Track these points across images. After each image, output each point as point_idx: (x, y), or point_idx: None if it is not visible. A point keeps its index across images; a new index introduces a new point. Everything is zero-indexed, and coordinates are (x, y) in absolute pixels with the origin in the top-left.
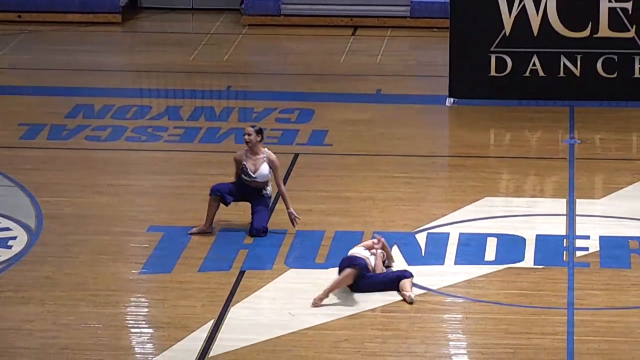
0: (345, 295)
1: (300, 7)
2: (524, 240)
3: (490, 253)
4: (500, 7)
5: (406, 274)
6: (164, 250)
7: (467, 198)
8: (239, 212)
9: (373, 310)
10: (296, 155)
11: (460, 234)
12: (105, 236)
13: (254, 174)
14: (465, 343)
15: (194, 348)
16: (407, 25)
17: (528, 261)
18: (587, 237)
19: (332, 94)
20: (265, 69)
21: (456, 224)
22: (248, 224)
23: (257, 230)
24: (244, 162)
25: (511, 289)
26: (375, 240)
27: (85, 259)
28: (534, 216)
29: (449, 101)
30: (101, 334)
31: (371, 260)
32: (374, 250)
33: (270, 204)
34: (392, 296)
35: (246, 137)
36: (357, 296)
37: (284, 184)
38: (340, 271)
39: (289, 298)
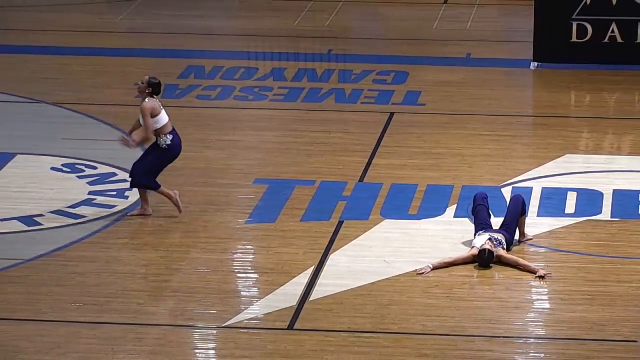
0: (434, 244)
1: None
2: (601, 194)
3: (570, 206)
4: None
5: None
6: (269, 201)
7: (549, 155)
8: (339, 166)
9: (463, 258)
10: (391, 114)
11: (543, 188)
12: (214, 188)
13: None
14: (546, 289)
15: (296, 292)
16: None
17: (605, 214)
18: None
19: (425, 58)
20: (364, 34)
21: (539, 178)
22: (347, 178)
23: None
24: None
25: (589, 239)
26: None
27: (195, 208)
28: (611, 172)
29: (533, 65)
30: (210, 278)
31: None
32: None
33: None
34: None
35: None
36: (446, 246)
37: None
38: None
39: (384, 246)
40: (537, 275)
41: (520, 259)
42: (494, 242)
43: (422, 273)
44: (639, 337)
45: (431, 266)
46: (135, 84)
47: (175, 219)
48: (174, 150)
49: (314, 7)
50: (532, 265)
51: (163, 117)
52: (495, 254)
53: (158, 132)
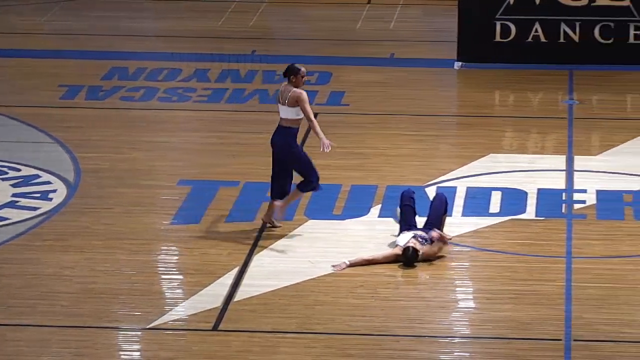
0: (359, 244)
1: None
2: (526, 193)
3: (494, 205)
4: None
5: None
6: (193, 202)
7: (473, 154)
8: (263, 167)
9: (385, 257)
10: (315, 115)
11: (467, 188)
12: (139, 189)
13: None
14: (471, 289)
15: (221, 293)
16: None
17: (530, 213)
18: (585, 191)
19: (349, 58)
20: (287, 35)
21: (463, 178)
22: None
23: None
24: None
25: (514, 238)
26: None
27: (121, 210)
28: (536, 171)
29: (457, 65)
30: (135, 280)
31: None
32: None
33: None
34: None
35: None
36: (370, 246)
37: (305, 140)
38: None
39: (308, 247)
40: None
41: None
42: (420, 240)
43: (338, 269)
44: (565, 336)
45: (347, 262)
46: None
47: (100, 221)
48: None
49: (237, 7)
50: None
51: None
52: (420, 252)
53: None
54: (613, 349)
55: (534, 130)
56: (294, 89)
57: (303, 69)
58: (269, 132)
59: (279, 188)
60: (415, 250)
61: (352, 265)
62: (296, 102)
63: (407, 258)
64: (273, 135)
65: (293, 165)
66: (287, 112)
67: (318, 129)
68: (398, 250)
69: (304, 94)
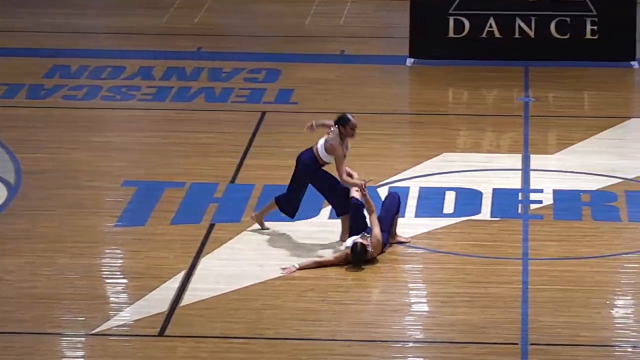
0: (309, 246)
1: None
2: (480, 193)
3: (448, 206)
4: None
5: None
6: (138, 204)
7: (427, 153)
8: (210, 167)
9: (335, 258)
10: (263, 114)
11: (420, 188)
12: (82, 190)
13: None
14: (425, 292)
15: (167, 297)
16: None
17: (485, 214)
18: (541, 191)
19: (298, 55)
20: (234, 31)
21: (416, 178)
22: (218, 179)
23: None
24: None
25: (469, 240)
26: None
27: (63, 212)
28: (491, 171)
29: (410, 61)
30: (78, 284)
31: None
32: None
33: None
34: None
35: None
36: (321, 248)
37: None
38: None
39: (257, 249)
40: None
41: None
42: (367, 237)
43: (288, 272)
44: (521, 340)
45: (297, 266)
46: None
47: (42, 223)
48: None
49: (182, 4)
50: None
51: None
52: (370, 248)
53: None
54: (570, 353)
55: (488, 128)
56: (333, 139)
57: (353, 121)
58: (216, 131)
59: (286, 198)
60: (363, 245)
61: (302, 268)
62: (332, 153)
63: (356, 254)
64: (303, 153)
65: (315, 184)
66: (322, 150)
67: (350, 181)
68: (348, 251)
69: (340, 151)
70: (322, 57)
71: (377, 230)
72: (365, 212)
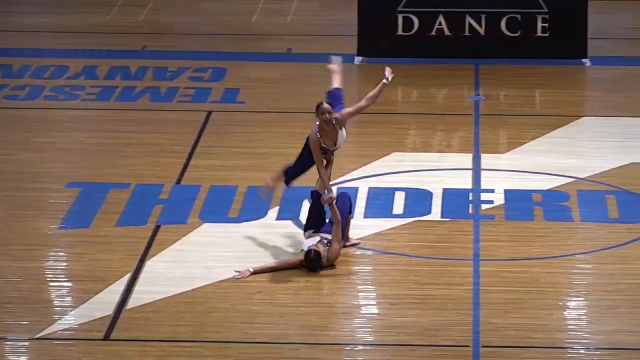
0: (256, 248)
1: None
2: (430, 194)
3: (398, 206)
4: None
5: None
6: (82, 205)
7: (376, 153)
8: (155, 168)
9: (288, 263)
10: (209, 113)
11: (370, 188)
12: (25, 192)
13: (335, 145)
14: (374, 294)
15: (112, 300)
16: None
17: (435, 214)
18: (492, 191)
19: (244, 53)
20: (180, 29)
21: (365, 178)
22: (164, 180)
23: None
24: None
25: (419, 241)
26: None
27: (6, 214)
28: (441, 171)
29: (358, 60)
30: (22, 287)
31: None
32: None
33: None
34: (297, 249)
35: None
36: (269, 250)
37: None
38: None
39: (204, 251)
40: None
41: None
42: (324, 242)
43: (242, 277)
44: (473, 342)
45: (251, 270)
46: (325, 114)
47: None
48: None
49: (126, 1)
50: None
51: None
52: (323, 255)
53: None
54: (522, 355)
55: (438, 127)
56: (313, 132)
57: (322, 106)
58: (161, 131)
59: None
60: (317, 253)
61: (256, 272)
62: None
63: (310, 261)
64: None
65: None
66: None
67: (326, 180)
68: (302, 256)
69: (315, 142)
70: (269, 56)
71: (337, 247)
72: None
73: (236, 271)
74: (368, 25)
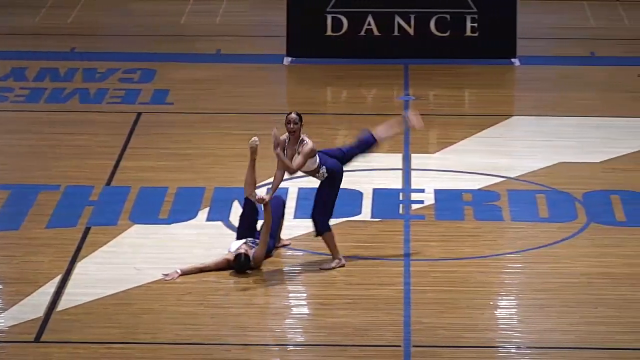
0: (187, 249)
1: None
2: (361, 194)
3: None
4: None
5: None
6: (12, 207)
7: None
8: (85, 169)
9: (216, 264)
10: (139, 114)
11: (299, 189)
12: None
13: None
14: (305, 294)
15: (43, 302)
16: None
17: (365, 214)
18: (422, 191)
19: (174, 54)
20: (109, 31)
21: (295, 179)
22: (94, 181)
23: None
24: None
25: (349, 241)
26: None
27: None
28: (371, 171)
29: (287, 60)
30: None
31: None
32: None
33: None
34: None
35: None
36: (199, 251)
37: (129, 142)
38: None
39: (134, 253)
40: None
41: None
42: (250, 244)
43: (170, 279)
44: (404, 342)
45: (179, 271)
46: (290, 124)
47: None
48: (337, 171)
49: (55, 2)
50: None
51: None
52: (251, 257)
53: (315, 170)
54: (453, 354)
55: (368, 127)
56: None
57: (289, 116)
58: (90, 132)
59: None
60: (247, 257)
61: (185, 273)
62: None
63: (239, 265)
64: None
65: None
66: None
67: (277, 183)
68: (230, 257)
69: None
70: (198, 57)
71: (261, 252)
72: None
73: (164, 274)
74: (297, 25)
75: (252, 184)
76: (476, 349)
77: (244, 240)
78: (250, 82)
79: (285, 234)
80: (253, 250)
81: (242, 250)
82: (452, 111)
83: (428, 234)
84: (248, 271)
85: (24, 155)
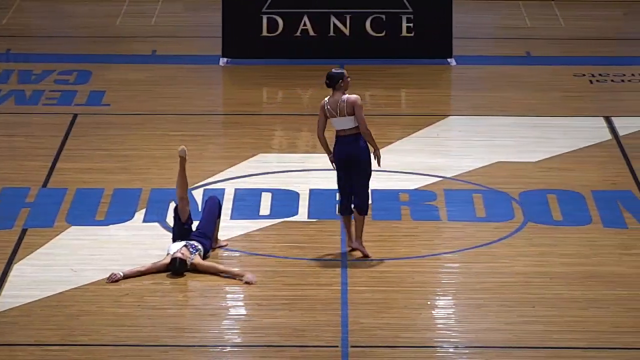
0: (122, 251)
1: None
2: (297, 194)
3: (265, 207)
4: None
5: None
6: None
7: (242, 154)
8: (21, 171)
9: (157, 267)
10: (75, 116)
11: (236, 190)
12: None
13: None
14: (242, 295)
15: None
16: None
17: (302, 215)
18: None
19: (109, 55)
20: (44, 32)
21: (232, 179)
22: (30, 183)
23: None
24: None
25: (286, 242)
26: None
27: None
28: (307, 171)
29: (223, 61)
30: None
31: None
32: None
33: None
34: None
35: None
36: (136, 252)
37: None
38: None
39: (71, 254)
40: (244, 281)
41: (220, 265)
42: (190, 249)
43: (113, 281)
44: (341, 342)
45: (122, 274)
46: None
47: None
48: None
49: None
50: (235, 270)
51: None
52: (188, 262)
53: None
54: (391, 354)
55: (304, 128)
56: (348, 96)
57: (345, 71)
58: (27, 134)
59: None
60: (182, 261)
61: (127, 276)
62: (353, 109)
63: (175, 269)
64: (341, 147)
65: (367, 170)
66: (347, 122)
67: (374, 140)
68: (168, 260)
69: (359, 99)
70: (134, 58)
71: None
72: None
73: (107, 280)
74: (232, 26)
75: (183, 186)
76: (414, 349)
77: (184, 243)
78: (186, 83)
79: (222, 235)
80: (193, 256)
81: (178, 255)
82: (389, 111)
83: (365, 234)
84: (185, 273)
85: None
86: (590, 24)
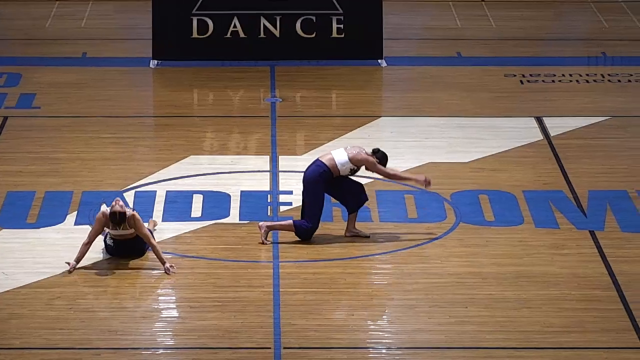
0: (56, 253)
1: None
2: (229, 196)
3: (196, 210)
4: None
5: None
6: None
7: (173, 157)
8: None
9: (85, 267)
10: (5, 119)
11: (167, 192)
12: None
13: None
14: (174, 297)
15: None
16: None
17: (234, 217)
18: (291, 192)
19: (39, 58)
20: None
21: (163, 182)
22: None
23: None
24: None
25: (218, 244)
26: None
27: None
28: (239, 173)
29: (153, 63)
30: None
31: None
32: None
33: None
34: (97, 254)
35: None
36: (69, 255)
37: None
38: None
39: (2, 257)
40: (164, 269)
41: (153, 240)
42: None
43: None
44: (274, 344)
45: (75, 262)
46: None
47: None
48: None
49: None
50: (162, 254)
51: None
52: (128, 213)
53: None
54: (324, 356)
55: (235, 130)
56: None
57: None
58: None
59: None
60: (122, 213)
61: (78, 260)
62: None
63: (116, 220)
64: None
65: (309, 197)
66: (342, 159)
67: (406, 175)
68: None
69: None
70: (64, 60)
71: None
72: None
73: (67, 262)
74: (162, 28)
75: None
76: (347, 350)
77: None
78: (116, 85)
79: (155, 237)
80: (129, 210)
81: (117, 208)
82: (319, 112)
83: (295, 237)
84: (113, 272)
85: None
86: (521, 24)
